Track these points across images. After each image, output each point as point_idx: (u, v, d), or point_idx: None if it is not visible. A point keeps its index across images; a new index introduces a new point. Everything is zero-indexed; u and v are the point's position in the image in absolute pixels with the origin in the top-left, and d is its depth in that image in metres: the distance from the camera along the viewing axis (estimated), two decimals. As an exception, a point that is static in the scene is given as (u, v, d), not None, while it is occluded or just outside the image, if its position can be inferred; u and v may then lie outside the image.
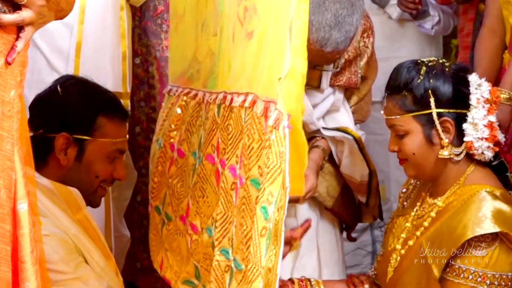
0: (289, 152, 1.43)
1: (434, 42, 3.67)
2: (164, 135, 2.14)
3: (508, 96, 2.31)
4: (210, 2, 1.91)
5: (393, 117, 1.95)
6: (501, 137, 1.95)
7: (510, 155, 2.04)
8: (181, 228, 2.02)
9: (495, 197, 1.88)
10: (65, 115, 2.07)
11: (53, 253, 1.89)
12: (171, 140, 2.10)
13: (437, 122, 1.92)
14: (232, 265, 1.68)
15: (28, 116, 2.01)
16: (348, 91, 2.44)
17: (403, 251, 1.97)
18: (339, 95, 2.41)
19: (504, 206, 1.86)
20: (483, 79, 1.95)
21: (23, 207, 1.43)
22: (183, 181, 2.03)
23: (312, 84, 2.30)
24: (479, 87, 1.93)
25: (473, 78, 1.95)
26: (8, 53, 1.41)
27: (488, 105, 1.93)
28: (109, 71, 2.77)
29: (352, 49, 2.35)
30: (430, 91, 1.92)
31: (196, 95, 2.00)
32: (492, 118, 1.92)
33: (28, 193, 1.45)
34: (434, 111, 1.92)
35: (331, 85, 2.37)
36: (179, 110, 2.09)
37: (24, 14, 1.42)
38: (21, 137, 1.48)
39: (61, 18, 1.51)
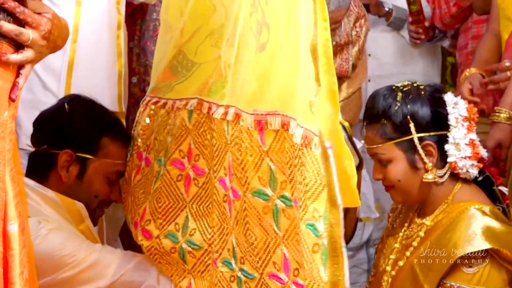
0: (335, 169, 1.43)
1: (436, 60, 3.73)
2: (133, 144, 2.13)
3: (508, 116, 2.32)
4: (220, 12, 1.85)
5: (374, 146, 1.95)
6: (483, 153, 1.95)
7: (494, 168, 2.03)
8: (133, 233, 2.02)
9: (484, 213, 1.89)
10: (70, 133, 2.10)
11: (67, 242, 1.93)
12: (139, 149, 2.10)
13: (419, 147, 1.92)
14: (239, 274, 1.70)
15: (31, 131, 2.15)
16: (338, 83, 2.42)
17: (393, 272, 1.97)
18: None
19: (493, 223, 1.87)
20: (459, 97, 1.96)
21: (13, 228, 1.42)
22: (144, 188, 2.03)
23: None
24: (456, 106, 1.93)
25: (448, 97, 1.95)
26: (11, 91, 1.43)
27: (467, 123, 1.93)
28: (104, 90, 2.74)
29: (344, 35, 2.34)
30: (409, 117, 1.92)
31: (165, 104, 1.99)
32: (473, 135, 1.93)
33: (19, 214, 1.45)
34: (415, 136, 1.92)
35: None
36: (147, 120, 2.08)
37: (27, 54, 1.45)
38: (14, 157, 1.48)
39: (54, 52, 1.54)
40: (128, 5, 2.84)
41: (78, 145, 2.06)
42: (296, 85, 1.50)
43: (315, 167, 1.45)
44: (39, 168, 2.11)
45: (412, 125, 1.91)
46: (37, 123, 2.18)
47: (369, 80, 3.55)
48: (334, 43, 2.34)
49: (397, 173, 1.93)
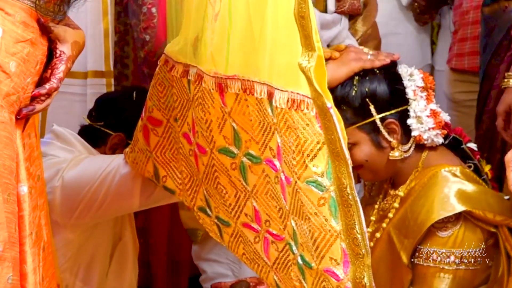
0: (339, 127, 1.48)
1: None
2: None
3: None
4: None
5: None
6: (445, 118, 1.97)
7: (459, 128, 2.06)
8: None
9: (454, 175, 1.91)
10: (129, 121, 2.19)
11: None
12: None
13: (381, 127, 1.91)
14: (216, 221, 1.83)
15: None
16: (352, 24, 2.41)
17: (371, 244, 2.00)
18: (345, 23, 2.39)
19: (464, 184, 1.89)
20: (413, 68, 1.95)
21: (23, 189, 1.50)
22: None
23: (319, 8, 2.29)
24: (411, 78, 1.93)
25: (402, 70, 1.95)
26: (25, 107, 1.52)
27: (425, 93, 1.93)
28: (88, 49, 2.77)
29: None
30: (367, 99, 1.91)
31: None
32: (433, 105, 1.93)
33: (29, 176, 1.52)
34: (377, 117, 1.91)
35: (336, 12, 2.35)
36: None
37: (49, 101, 1.57)
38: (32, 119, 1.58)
39: None
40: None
41: (131, 133, 2.13)
42: (267, 52, 1.54)
43: (309, 127, 1.49)
44: (87, 141, 2.28)
45: (372, 107, 1.91)
46: (102, 101, 2.37)
47: None
48: None
49: (363, 154, 1.94)
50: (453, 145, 2.02)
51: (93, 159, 2.17)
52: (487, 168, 2.01)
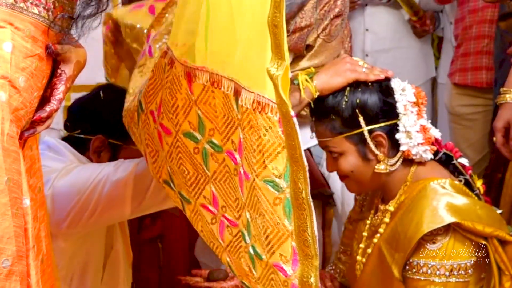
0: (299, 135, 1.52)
1: (429, 34, 3.79)
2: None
3: None
4: None
5: (324, 139, 1.96)
6: (436, 134, 1.96)
7: (450, 144, 2.04)
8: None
9: (443, 187, 1.91)
10: (104, 120, 2.25)
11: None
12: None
13: (369, 139, 1.92)
14: (179, 196, 1.87)
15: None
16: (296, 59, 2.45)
17: (364, 260, 2.01)
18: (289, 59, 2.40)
19: (453, 196, 1.89)
20: (405, 82, 1.95)
21: (26, 202, 1.51)
22: None
23: None
24: (403, 93, 1.93)
25: (395, 83, 1.95)
26: (26, 130, 1.54)
27: (416, 109, 1.92)
28: (98, 62, 2.75)
29: (307, 18, 2.37)
30: (357, 110, 1.91)
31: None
32: (423, 121, 1.93)
33: (29, 188, 1.53)
34: (365, 129, 1.92)
35: None
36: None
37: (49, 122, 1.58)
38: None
39: None
40: None
41: (110, 132, 2.19)
42: (239, 50, 1.58)
43: (271, 130, 1.54)
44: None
45: (361, 119, 1.91)
46: (72, 109, 2.35)
47: (366, 55, 3.59)
48: (294, 23, 2.38)
49: (349, 165, 1.94)
50: (444, 160, 2.02)
51: (83, 167, 2.18)
52: (479, 183, 2.01)
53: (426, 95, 2.03)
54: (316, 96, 1.92)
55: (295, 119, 1.50)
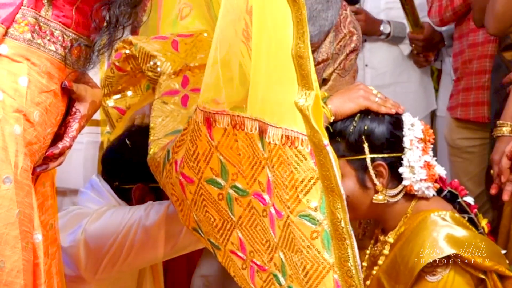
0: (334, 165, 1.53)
1: (429, 68, 3.82)
2: None
3: (511, 128, 2.32)
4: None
5: None
6: (441, 172, 1.98)
7: (454, 182, 2.06)
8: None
9: (444, 219, 1.92)
10: (138, 167, 2.20)
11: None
12: None
13: (370, 167, 1.93)
14: (210, 244, 1.87)
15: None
16: None
17: None
18: None
19: (453, 228, 1.90)
20: (416, 118, 1.97)
21: (38, 237, 1.51)
22: None
23: None
24: (412, 127, 1.94)
25: (406, 118, 1.97)
26: (39, 165, 1.55)
27: (422, 145, 1.94)
28: None
29: (324, 53, 2.40)
30: (363, 137, 1.93)
31: None
32: (428, 157, 1.94)
33: (40, 223, 1.54)
34: (368, 156, 1.93)
35: None
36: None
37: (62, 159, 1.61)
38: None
39: None
40: None
41: (148, 177, 2.13)
42: (260, 89, 1.60)
43: (303, 163, 1.54)
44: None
45: (366, 145, 1.93)
46: (105, 161, 2.35)
47: None
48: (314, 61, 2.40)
49: (346, 189, 1.88)
50: (449, 198, 2.02)
51: (115, 211, 2.18)
52: (483, 222, 2.02)
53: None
54: (331, 120, 1.94)
55: (328, 148, 1.51)
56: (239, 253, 1.80)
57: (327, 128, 1.94)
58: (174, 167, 1.89)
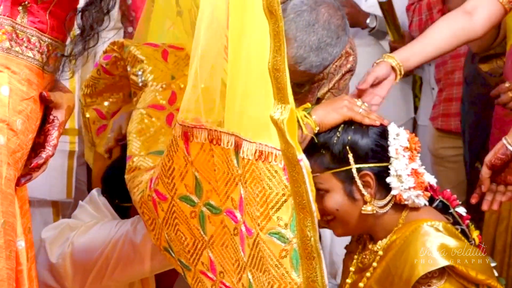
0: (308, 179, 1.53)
1: (410, 76, 3.80)
2: None
3: None
4: None
5: (313, 175, 1.91)
6: (430, 180, 1.97)
7: (446, 191, 2.06)
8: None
9: (437, 230, 1.90)
10: None
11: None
12: None
13: (357, 178, 1.91)
14: (180, 263, 1.84)
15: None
16: None
17: None
18: None
19: (447, 239, 1.89)
20: (402, 128, 1.96)
21: (21, 244, 1.54)
22: None
23: None
24: (397, 137, 1.93)
25: (391, 128, 1.96)
26: (23, 176, 1.58)
27: (408, 153, 1.93)
28: None
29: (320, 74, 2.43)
30: (348, 147, 1.91)
31: None
32: (415, 165, 1.93)
33: (24, 230, 1.56)
34: (354, 166, 1.92)
35: None
36: None
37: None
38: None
39: None
40: None
41: None
42: (237, 103, 1.60)
43: (275, 179, 1.54)
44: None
45: (350, 156, 1.92)
46: (105, 180, 2.35)
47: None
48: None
49: (334, 203, 1.93)
50: (441, 209, 2.01)
51: (102, 225, 2.19)
52: (475, 234, 2.01)
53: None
54: (316, 131, 1.93)
55: (302, 163, 1.50)
56: (209, 274, 1.78)
57: (311, 139, 1.93)
58: (148, 184, 1.88)
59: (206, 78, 1.69)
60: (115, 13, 2.94)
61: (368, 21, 3.57)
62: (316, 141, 1.93)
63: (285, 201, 1.54)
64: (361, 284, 1.97)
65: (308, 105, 2.00)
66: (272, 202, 1.54)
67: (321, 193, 1.94)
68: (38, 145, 1.61)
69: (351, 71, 2.54)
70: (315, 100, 2.47)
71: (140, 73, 2.22)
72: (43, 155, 1.59)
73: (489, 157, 2.06)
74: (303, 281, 1.54)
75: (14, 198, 1.52)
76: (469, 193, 2.73)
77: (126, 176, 2.05)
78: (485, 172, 2.06)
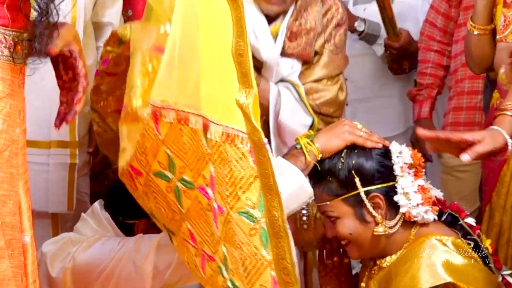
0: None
1: (411, 81, 3.75)
2: None
3: None
4: None
5: (322, 203, 1.98)
6: (437, 194, 1.98)
7: (454, 204, 2.05)
8: None
9: (444, 245, 1.92)
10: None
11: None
12: None
13: (366, 201, 1.94)
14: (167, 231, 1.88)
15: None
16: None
17: None
18: (297, 67, 2.51)
19: (453, 254, 1.90)
20: (403, 146, 1.99)
21: (26, 239, 1.55)
22: None
23: None
24: (400, 155, 1.96)
25: (393, 146, 1.99)
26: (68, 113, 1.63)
27: (413, 170, 1.95)
28: (52, 118, 2.39)
29: (312, 20, 2.48)
30: (353, 172, 1.94)
31: None
32: (421, 181, 1.95)
33: (31, 226, 1.58)
34: (361, 190, 1.94)
35: (286, 54, 2.48)
36: None
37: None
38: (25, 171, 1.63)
39: None
40: None
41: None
42: (203, 86, 1.62)
43: (242, 161, 1.58)
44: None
45: (357, 180, 1.94)
46: (109, 196, 2.35)
47: (347, 104, 3.58)
48: (299, 25, 2.49)
49: (346, 228, 1.96)
50: (450, 221, 2.02)
51: (105, 242, 2.19)
52: (487, 243, 2.01)
53: (407, 144, 2.05)
54: (319, 158, 1.96)
55: (267, 146, 1.55)
56: (191, 242, 1.83)
57: (315, 167, 1.97)
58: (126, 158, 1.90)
59: (179, 63, 1.70)
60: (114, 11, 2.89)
61: (356, 24, 3.55)
62: (319, 168, 1.96)
63: (253, 182, 1.58)
64: (362, 284, 2.01)
65: (311, 132, 2.05)
66: (240, 183, 1.59)
67: (333, 220, 1.97)
68: (69, 81, 1.64)
69: (342, 25, 2.60)
70: (313, 52, 2.52)
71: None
72: (80, 88, 1.63)
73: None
74: (273, 258, 1.59)
75: (7, 198, 1.52)
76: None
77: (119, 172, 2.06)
78: None
